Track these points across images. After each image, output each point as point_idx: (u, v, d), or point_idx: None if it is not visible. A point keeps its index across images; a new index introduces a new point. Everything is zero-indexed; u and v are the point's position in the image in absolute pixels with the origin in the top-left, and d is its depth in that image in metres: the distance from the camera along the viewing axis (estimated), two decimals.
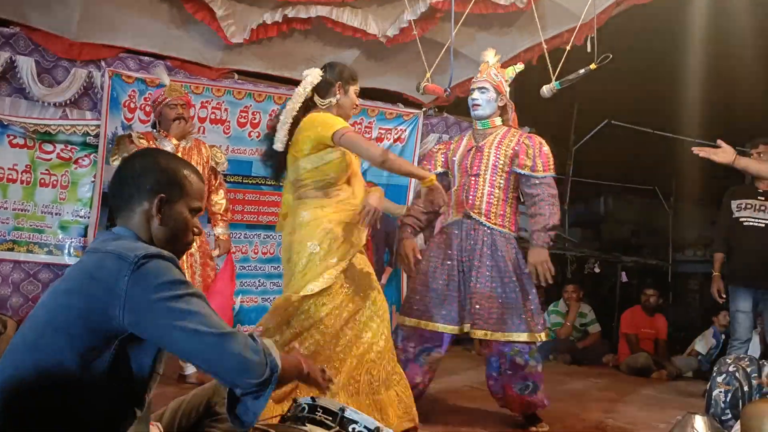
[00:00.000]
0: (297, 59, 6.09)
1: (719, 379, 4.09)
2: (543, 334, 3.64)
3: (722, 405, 4.00)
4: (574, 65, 4.07)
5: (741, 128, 9.05)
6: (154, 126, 4.39)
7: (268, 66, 6.09)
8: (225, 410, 1.79)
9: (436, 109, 7.00)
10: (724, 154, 3.52)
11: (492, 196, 3.72)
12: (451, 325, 3.61)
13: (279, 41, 5.78)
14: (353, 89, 3.24)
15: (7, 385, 1.45)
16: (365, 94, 6.55)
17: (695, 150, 3.53)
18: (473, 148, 3.80)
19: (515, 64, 3.94)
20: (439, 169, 3.94)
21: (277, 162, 3.26)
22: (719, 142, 3.57)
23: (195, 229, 1.74)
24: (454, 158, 3.86)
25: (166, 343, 1.50)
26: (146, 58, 5.67)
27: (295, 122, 3.15)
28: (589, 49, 3.84)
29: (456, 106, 6.90)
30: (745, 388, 3.96)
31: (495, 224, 3.69)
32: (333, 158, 3.06)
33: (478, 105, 3.77)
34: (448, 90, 3.76)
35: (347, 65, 3.36)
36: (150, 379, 1.57)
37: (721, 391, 4.03)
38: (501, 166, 3.72)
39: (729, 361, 4.15)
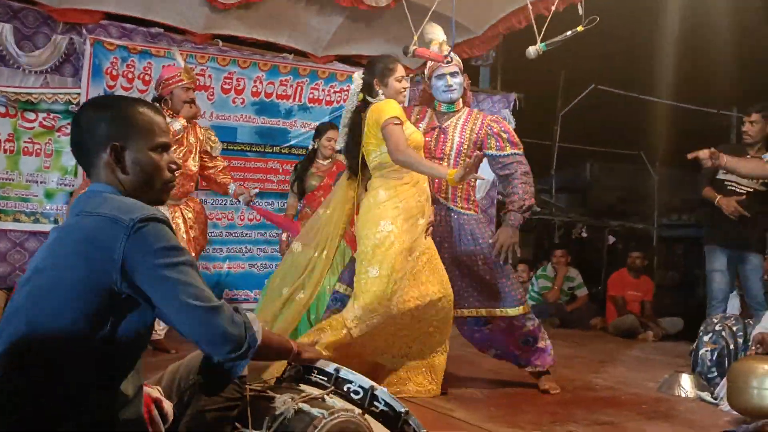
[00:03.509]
0: (281, 24, 6.00)
1: (706, 338, 4.15)
2: (521, 308, 3.67)
3: (708, 363, 4.07)
4: (562, 26, 4.03)
5: (725, 93, 9.10)
6: (156, 101, 4.35)
7: (253, 31, 6.00)
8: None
9: (423, 75, 6.94)
10: (714, 161, 4.00)
11: None
12: None
13: (264, 5, 5.68)
14: (393, 78, 3.46)
15: (10, 348, 1.46)
16: (350, 61, 6.52)
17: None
18: (437, 129, 3.76)
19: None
20: None
21: (353, 159, 3.58)
22: (707, 152, 4.00)
23: (171, 166, 1.68)
24: None
25: (156, 309, 1.53)
26: (128, 25, 5.56)
27: (353, 124, 3.55)
28: (581, 11, 3.79)
29: None
30: (731, 347, 4.03)
31: (461, 208, 3.71)
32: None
33: (453, 89, 3.74)
34: (450, 57, 3.73)
35: (384, 57, 3.63)
36: (148, 338, 1.61)
37: (707, 350, 4.10)
38: (465, 150, 3.70)
39: (715, 321, 4.22)
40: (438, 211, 3.69)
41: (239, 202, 4.70)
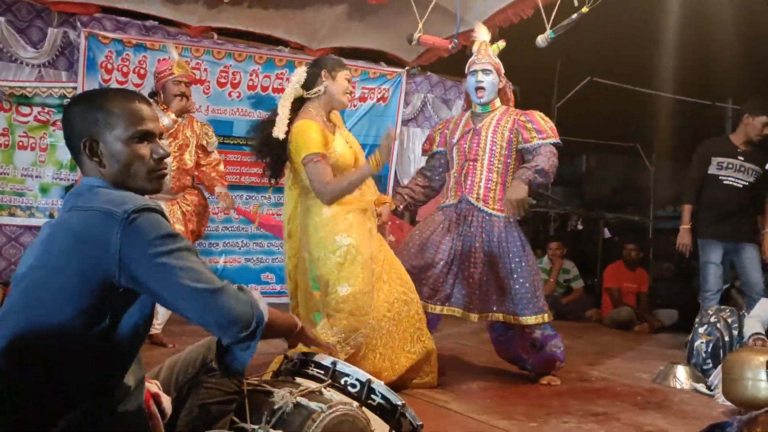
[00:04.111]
0: (277, 16, 5.98)
1: (701, 330, 4.18)
2: (546, 315, 3.67)
3: (703, 355, 4.10)
4: (564, 14, 4.01)
5: (721, 85, 9.11)
6: (152, 95, 4.33)
7: (248, 23, 5.98)
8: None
9: (420, 68, 6.94)
10: None
11: (490, 181, 3.72)
12: (455, 307, 3.69)
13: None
14: (342, 75, 3.31)
15: (9, 347, 1.46)
16: (347, 53, 6.51)
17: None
18: (471, 131, 3.76)
19: (502, 41, 3.91)
20: (437, 149, 3.96)
21: (273, 162, 3.38)
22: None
23: (154, 155, 1.61)
24: (452, 140, 3.83)
25: (159, 297, 1.51)
26: (123, 18, 5.54)
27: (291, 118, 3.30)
28: (576, 3, 3.79)
29: (439, 65, 6.84)
30: (726, 339, 4.06)
31: (493, 209, 3.70)
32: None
33: (483, 88, 3.72)
34: (455, 42, 3.72)
35: (337, 57, 3.47)
36: (147, 331, 1.60)
37: (702, 342, 4.13)
38: (498, 150, 3.71)
39: (710, 313, 4.24)
40: (467, 211, 3.71)
41: (222, 201, 4.65)
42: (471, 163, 3.73)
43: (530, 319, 3.63)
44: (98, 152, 1.57)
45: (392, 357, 3.31)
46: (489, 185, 3.71)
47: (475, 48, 3.84)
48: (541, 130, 3.70)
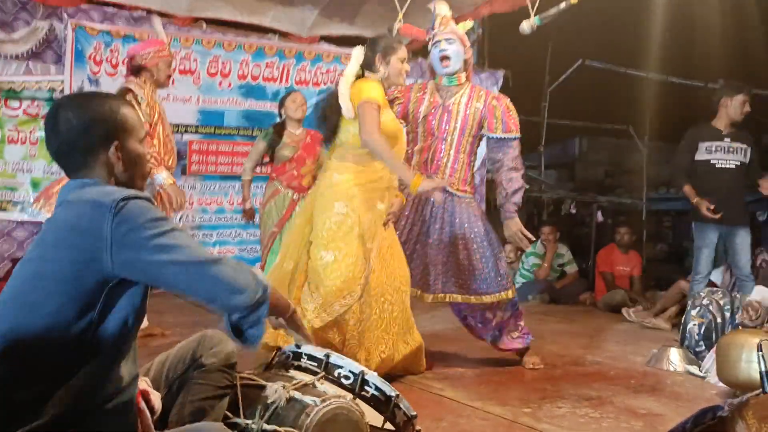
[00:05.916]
0: (265, 5, 5.95)
1: (693, 312, 4.21)
2: (509, 292, 3.66)
3: (696, 337, 4.13)
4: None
5: (712, 66, 9.11)
6: (137, 72, 3.87)
7: (237, 13, 5.95)
8: (209, 361, 1.82)
9: (411, 54, 6.91)
10: None
11: (457, 162, 3.65)
12: (412, 287, 3.59)
13: None
14: (396, 58, 3.30)
15: (1, 341, 1.46)
16: (336, 40, 6.48)
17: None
18: (440, 108, 3.65)
19: (469, 20, 3.88)
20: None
21: (331, 124, 3.35)
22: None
23: (149, 155, 1.73)
24: (417, 113, 3.69)
25: (159, 279, 1.51)
26: (110, 9, 5.51)
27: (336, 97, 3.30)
28: None
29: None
30: (719, 321, 4.09)
31: (457, 190, 3.65)
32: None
33: (448, 57, 3.59)
34: (431, 34, 3.68)
35: (389, 36, 3.51)
36: (139, 321, 1.58)
37: (695, 324, 4.16)
38: (469, 131, 3.64)
39: (703, 295, 4.27)
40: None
41: None
42: (439, 141, 3.65)
43: (489, 297, 3.61)
44: (122, 155, 1.63)
45: (391, 342, 3.28)
46: (456, 165, 3.64)
47: (436, 22, 3.70)
48: (508, 124, 3.65)
